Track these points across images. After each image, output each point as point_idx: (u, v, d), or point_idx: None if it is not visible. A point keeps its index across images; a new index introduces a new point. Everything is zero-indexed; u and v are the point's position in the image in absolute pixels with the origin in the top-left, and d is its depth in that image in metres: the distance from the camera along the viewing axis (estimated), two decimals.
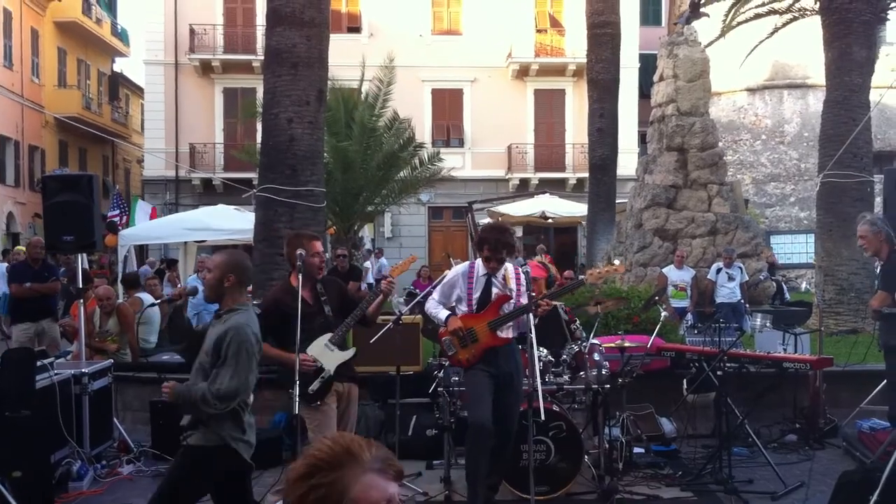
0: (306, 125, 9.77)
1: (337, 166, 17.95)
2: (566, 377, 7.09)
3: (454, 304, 6.28)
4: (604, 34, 16.62)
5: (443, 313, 6.21)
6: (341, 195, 18.23)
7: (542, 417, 5.74)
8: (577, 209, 22.13)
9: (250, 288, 6.74)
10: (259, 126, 13.04)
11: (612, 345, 7.38)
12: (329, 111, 14.02)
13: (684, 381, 8.11)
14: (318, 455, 1.68)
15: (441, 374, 7.11)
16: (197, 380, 4.51)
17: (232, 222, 17.00)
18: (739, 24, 17.73)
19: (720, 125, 20.92)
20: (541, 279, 9.02)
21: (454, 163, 25.54)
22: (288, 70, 9.76)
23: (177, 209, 27.54)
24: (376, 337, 7.28)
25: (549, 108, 31.37)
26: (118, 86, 41.39)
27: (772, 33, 17.91)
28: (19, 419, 6.27)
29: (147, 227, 18.82)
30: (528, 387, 5.97)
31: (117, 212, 18.82)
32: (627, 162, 23.00)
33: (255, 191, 10.34)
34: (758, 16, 17.70)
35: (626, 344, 7.29)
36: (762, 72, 30.63)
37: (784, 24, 17.46)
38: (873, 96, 13.78)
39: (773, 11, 17.35)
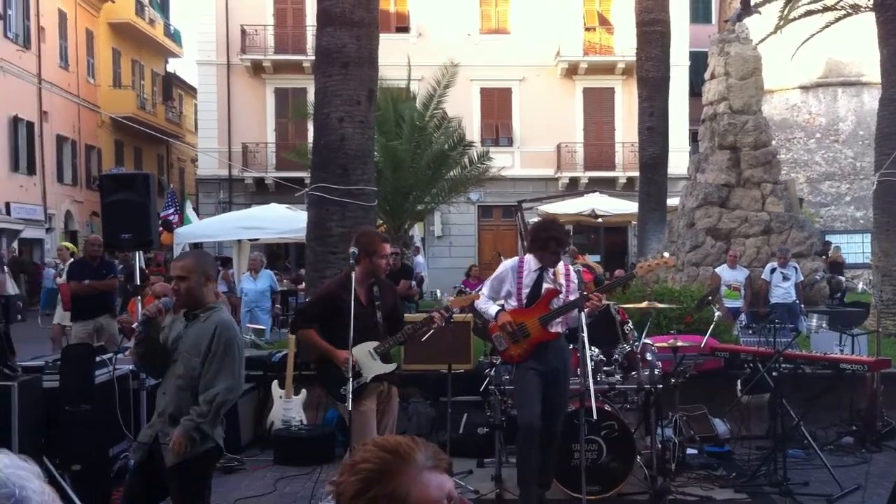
0: (357, 124, 9.84)
1: (387, 165, 18.06)
2: (618, 377, 7.07)
3: (503, 298, 6.31)
4: (653, 32, 16.48)
5: (492, 308, 6.23)
6: (391, 194, 18.34)
7: (595, 417, 5.74)
8: (627, 208, 21.99)
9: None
10: (310, 126, 13.17)
11: (665, 344, 7.33)
12: (379, 110, 14.11)
13: (738, 381, 8.05)
14: (368, 467, 1.59)
15: (492, 373, 7.12)
16: (178, 393, 4.52)
17: (284, 221, 17.18)
18: (792, 20, 17.50)
19: (773, 123, 20.68)
20: (588, 282, 8.98)
21: (503, 162, 25.54)
22: (338, 70, 9.83)
23: (230, 208, 27.91)
24: (428, 335, 7.32)
25: (598, 106, 31.20)
26: (171, 86, 42.06)
27: (823, 28, 17.64)
28: (79, 413, 6.42)
29: (201, 226, 19.13)
30: (580, 386, 5.97)
31: (172, 210, 19.15)
32: (678, 160, 22.78)
33: (306, 189, 10.44)
34: (810, 12, 17.45)
35: (679, 344, 7.24)
36: (815, 69, 30.14)
37: (836, 20, 17.19)
38: None
39: (827, 8, 17.08)
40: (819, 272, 14.16)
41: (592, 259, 22.90)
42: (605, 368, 7.08)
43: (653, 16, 16.46)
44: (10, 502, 1.21)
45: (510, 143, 30.69)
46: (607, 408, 6.68)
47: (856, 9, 16.56)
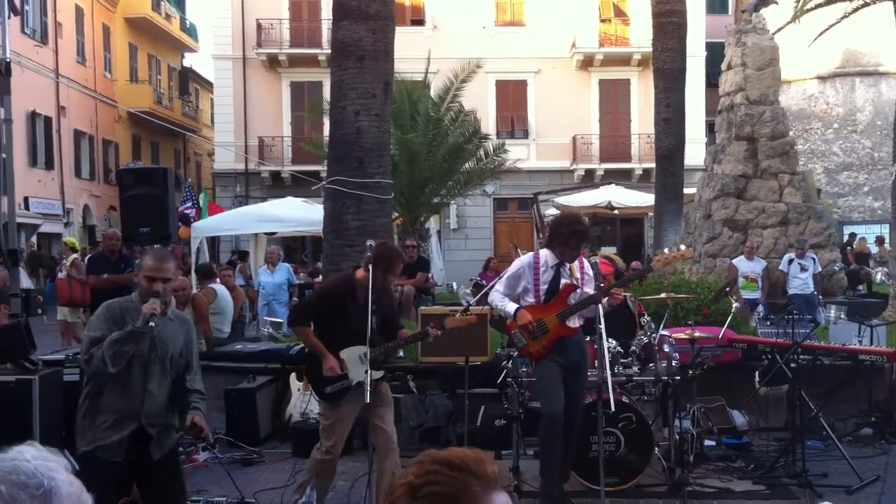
0: (373, 118, 9.85)
1: (402, 158, 18.07)
2: (636, 368, 7.07)
3: (519, 295, 6.30)
4: (669, 23, 16.40)
5: (510, 306, 6.23)
6: (407, 187, 18.35)
7: (612, 409, 5.75)
8: (643, 199, 21.92)
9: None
10: (326, 119, 13.18)
11: (683, 336, 7.32)
12: (394, 103, 14.12)
13: (756, 373, 8.02)
14: (438, 490, 1.41)
15: (509, 365, 7.13)
16: (164, 392, 4.53)
17: (300, 214, 17.23)
18: (809, 10, 17.35)
19: (790, 114, 20.53)
20: (609, 274, 8.96)
21: (519, 154, 25.51)
22: (354, 63, 9.84)
23: (247, 201, 28.02)
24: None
25: (614, 98, 31.10)
26: (188, 80, 42.19)
27: (841, 18, 17.48)
28: None
29: (218, 220, 19.20)
30: (598, 378, 5.98)
31: (189, 204, 19.23)
32: (695, 152, 22.67)
33: (323, 183, 10.47)
34: (828, 1, 17.30)
35: (697, 335, 7.22)
36: (833, 59, 29.94)
37: (854, 10, 17.04)
38: None
39: None
40: (837, 263, 14.10)
41: (610, 250, 22.87)
42: (622, 360, 7.08)
43: (669, 6, 16.38)
44: (39, 492, 1.22)
45: (526, 135, 30.64)
46: (625, 400, 6.68)
47: None
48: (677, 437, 6.81)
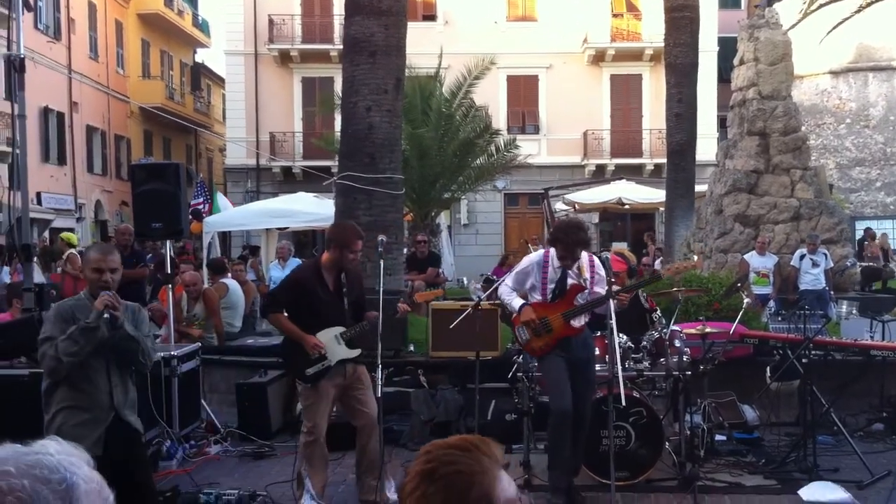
0: (384, 113, 9.87)
1: (413, 153, 18.08)
2: (646, 363, 7.06)
3: (527, 291, 6.32)
4: (682, 17, 16.34)
5: (516, 302, 6.25)
6: (418, 182, 18.37)
7: (623, 403, 5.76)
8: (654, 195, 21.87)
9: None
10: (337, 115, 13.22)
11: (694, 331, 7.31)
12: (406, 99, 14.14)
13: (767, 368, 8.00)
14: (453, 469, 1.47)
15: (520, 360, 7.14)
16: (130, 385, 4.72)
17: (311, 209, 17.26)
18: (823, 5, 17.30)
19: (803, 109, 20.47)
20: (622, 272, 8.95)
21: (530, 149, 25.48)
22: (366, 59, 9.87)
23: (258, 197, 28.08)
24: (455, 323, 7.36)
25: (625, 93, 31.03)
26: (200, 76, 42.30)
27: (856, 11, 17.42)
28: None
29: (230, 215, 19.26)
30: (609, 373, 5.98)
31: (201, 199, 19.28)
32: (706, 147, 22.59)
33: (334, 178, 10.49)
34: None
35: (708, 330, 7.22)
36: (846, 54, 29.78)
37: (867, 5, 16.98)
38: None
39: None
40: (850, 258, 14.05)
41: (621, 246, 22.82)
42: (633, 355, 7.07)
43: (681, 1, 16.32)
44: (61, 487, 1.23)
45: (537, 130, 30.61)
46: (636, 394, 6.67)
47: None
48: (688, 431, 6.81)
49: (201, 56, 43.77)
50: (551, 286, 6.18)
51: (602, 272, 6.21)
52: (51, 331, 4.46)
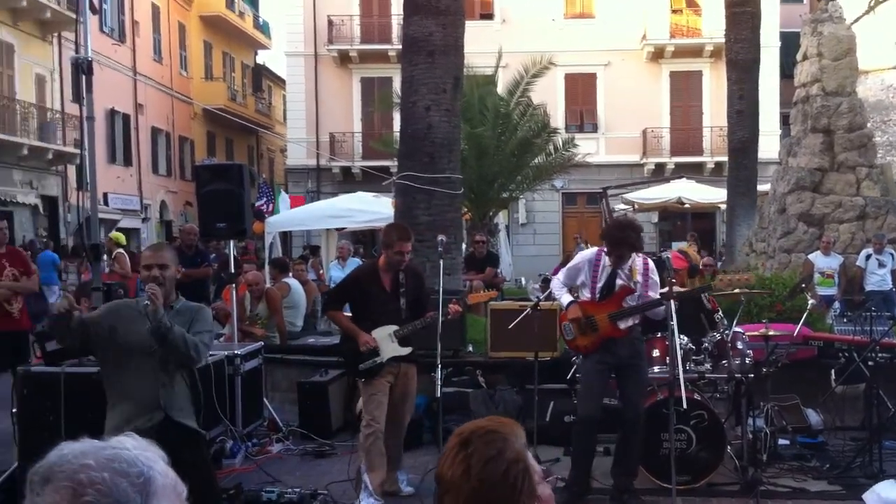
0: (443, 113, 9.89)
1: (472, 153, 18.10)
2: (708, 365, 6.98)
3: (578, 287, 6.32)
4: (743, 13, 16.12)
5: (565, 298, 6.30)
6: (476, 182, 18.38)
7: (684, 406, 5.71)
8: (715, 194, 21.59)
9: None
10: (396, 115, 13.30)
11: (756, 333, 7.20)
12: (464, 98, 14.18)
13: (832, 371, 7.85)
14: (489, 437, 1.69)
15: (579, 360, 7.12)
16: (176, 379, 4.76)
17: (370, 209, 17.38)
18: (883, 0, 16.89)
19: (868, 105, 19.98)
20: (682, 270, 8.85)
21: (588, 148, 25.34)
22: (424, 58, 9.90)
23: (318, 197, 28.35)
24: (514, 323, 7.37)
25: (685, 90, 30.68)
26: (261, 77, 42.84)
27: None
28: None
29: (291, 215, 19.48)
30: (670, 375, 5.94)
31: (263, 200, 19.54)
32: (769, 145, 22.24)
33: (393, 178, 10.56)
34: None
35: (771, 332, 7.11)
36: None
37: None
38: None
39: None
40: None
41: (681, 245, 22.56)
42: (694, 357, 6.99)
43: None
44: (139, 481, 1.27)
45: (595, 129, 30.40)
46: (697, 397, 6.61)
47: None
48: (750, 435, 6.71)
49: (262, 58, 44.36)
50: (600, 284, 6.17)
51: (657, 277, 6.16)
52: (96, 312, 4.85)
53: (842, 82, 14.06)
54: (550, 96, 27.23)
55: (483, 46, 21.46)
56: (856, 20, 15.79)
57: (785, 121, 20.01)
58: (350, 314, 6.59)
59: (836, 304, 12.12)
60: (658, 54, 30.06)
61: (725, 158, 17.88)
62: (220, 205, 8.29)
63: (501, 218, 23.34)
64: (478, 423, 1.74)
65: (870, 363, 6.95)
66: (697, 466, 6.41)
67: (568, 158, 21.18)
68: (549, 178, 22.14)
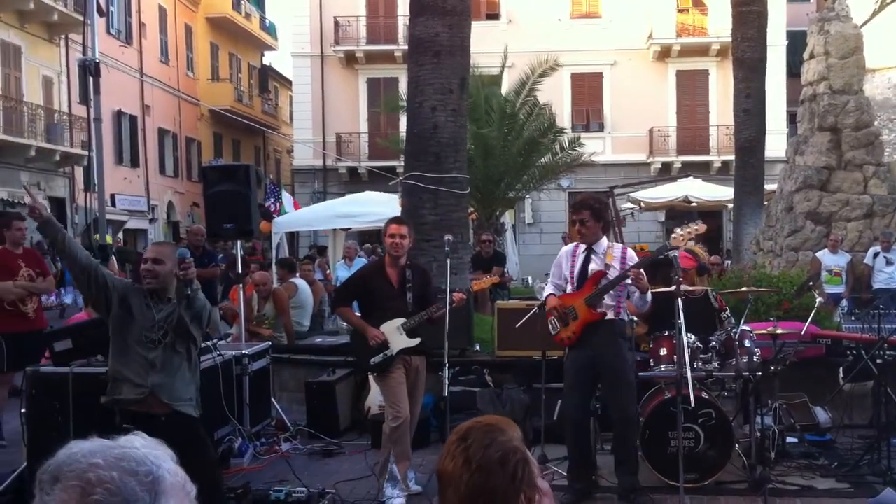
0: (449, 113, 9.90)
1: (478, 153, 18.09)
2: (715, 364, 6.96)
3: (564, 283, 6.36)
4: (749, 12, 16.07)
5: (545, 293, 6.44)
6: (482, 181, 18.37)
7: (692, 404, 5.71)
8: (722, 193, 21.54)
9: None
10: (402, 115, 13.31)
11: (764, 331, 7.19)
12: (470, 98, 14.16)
13: (840, 369, 7.84)
14: (486, 427, 1.73)
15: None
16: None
17: (377, 209, 17.39)
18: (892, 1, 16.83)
19: (875, 103, 19.91)
20: (691, 270, 8.83)
21: (594, 147, 25.32)
22: (430, 59, 9.90)
23: (325, 197, 28.39)
24: (521, 322, 7.37)
25: (691, 89, 30.63)
26: (267, 78, 42.93)
27: None
28: None
29: (298, 215, 19.52)
30: (677, 373, 5.94)
31: (271, 200, 19.58)
32: (776, 143, 22.15)
33: (400, 178, 10.57)
34: None
35: (779, 331, 7.09)
36: None
37: None
38: None
39: None
40: None
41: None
42: (702, 356, 6.98)
43: None
44: (148, 480, 1.27)
45: (601, 128, 30.38)
46: (704, 395, 6.61)
47: None
48: (758, 433, 6.70)
49: (269, 59, 44.42)
50: (577, 272, 6.23)
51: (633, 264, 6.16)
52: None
53: (849, 80, 14.03)
54: (557, 96, 27.19)
55: (489, 46, 21.44)
56: (865, 22, 15.75)
57: (792, 119, 19.94)
58: (359, 313, 6.64)
59: (844, 302, 12.11)
60: (664, 53, 30.03)
61: (732, 157, 17.83)
62: (227, 205, 8.31)
63: (508, 217, 23.32)
64: (474, 420, 1.78)
65: (878, 361, 6.93)
66: (705, 464, 6.40)
67: (574, 158, 21.15)
68: (555, 178, 22.10)
